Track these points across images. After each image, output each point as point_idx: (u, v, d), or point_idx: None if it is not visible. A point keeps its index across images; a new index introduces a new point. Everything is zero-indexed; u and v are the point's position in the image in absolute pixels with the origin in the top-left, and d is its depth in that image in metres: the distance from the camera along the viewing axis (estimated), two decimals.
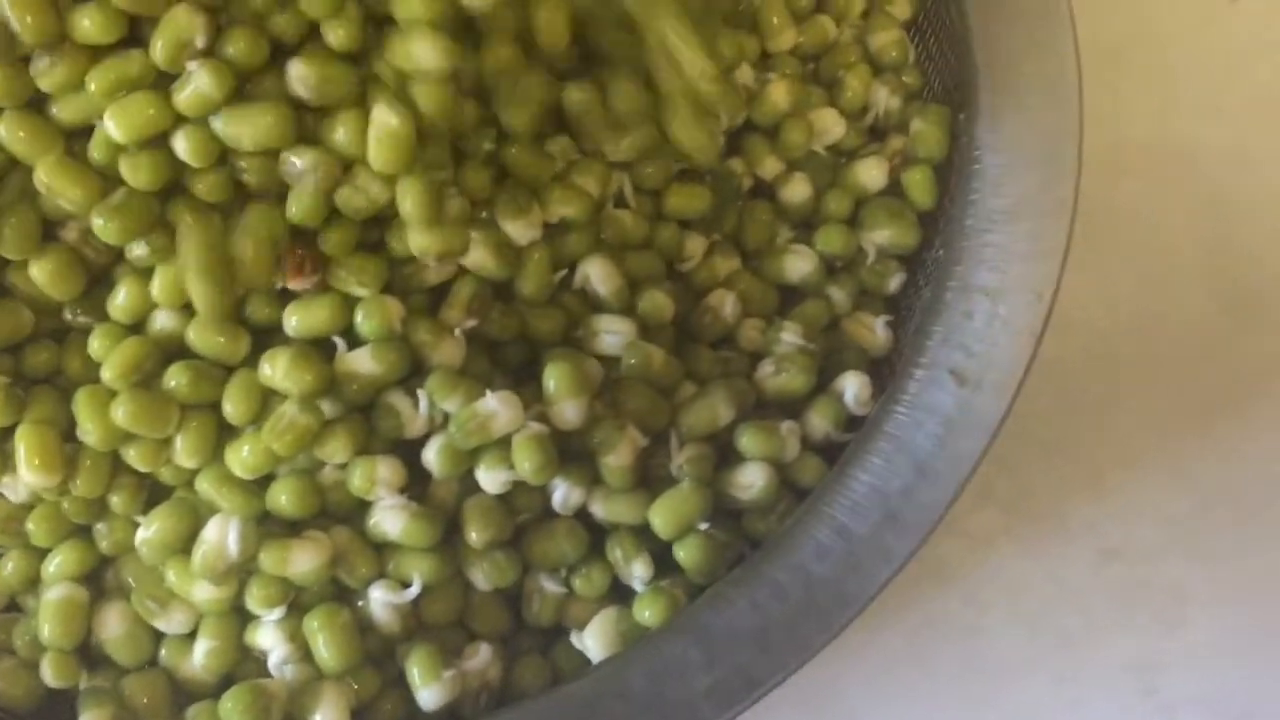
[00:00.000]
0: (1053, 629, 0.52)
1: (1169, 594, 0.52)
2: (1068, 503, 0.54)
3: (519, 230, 0.39)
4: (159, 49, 0.35)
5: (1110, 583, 0.53)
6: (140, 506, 0.38)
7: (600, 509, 0.40)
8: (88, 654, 0.39)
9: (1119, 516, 0.54)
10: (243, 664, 0.38)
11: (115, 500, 0.38)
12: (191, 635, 0.38)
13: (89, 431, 0.37)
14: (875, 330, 0.44)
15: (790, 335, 0.42)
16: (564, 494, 0.39)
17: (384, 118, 0.35)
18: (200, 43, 0.35)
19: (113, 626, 0.38)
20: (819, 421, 0.41)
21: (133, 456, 0.37)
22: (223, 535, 0.36)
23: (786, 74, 0.45)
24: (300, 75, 0.36)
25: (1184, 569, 0.53)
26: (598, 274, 0.41)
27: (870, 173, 0.45)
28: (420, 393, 0.38)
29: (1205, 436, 0.55)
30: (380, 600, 0.38)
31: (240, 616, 0.38)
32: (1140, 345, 0.56)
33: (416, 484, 0.39)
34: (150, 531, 0.37)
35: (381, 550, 0.38)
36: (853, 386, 0.42)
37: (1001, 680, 0.51)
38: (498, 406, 0.38)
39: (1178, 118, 0.58)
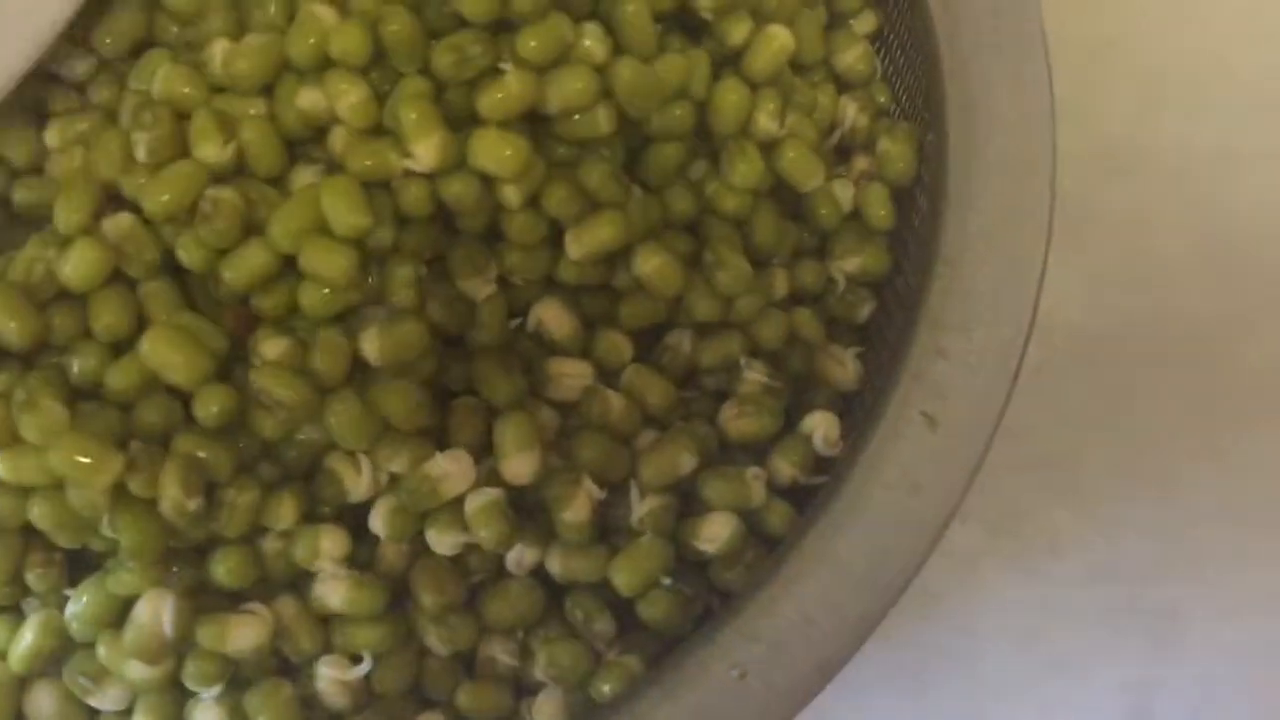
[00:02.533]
0: (1043, 651, 0.51)
1: (1163, 613, 0.51)
2: (1055, 518, 0.53)
3: (475, 286, 0.37)
4: None
5: (1101, 602, 0.52)
6: (65, 580, 0.37)
7: (557, 566, 0.38)
8: None
9: (1109, 532, 0.52)
10: None
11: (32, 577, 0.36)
12: (128, 713, 0.37)
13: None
14: (845, 363, 0.42)
15: (755, 374, 0.40)
16: (518, 553, 0.37)
17: None
18: None
19: (44, 705, 0.36)
20: (785, 465, 0.39)
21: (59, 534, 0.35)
22: (156, 613, 0.35)
23: None
24: None
25: (1179, 587, 0.51)
26: (551, 317, 0.39)
27: (840, 194, 0.42)
28: (362, 456, 0.36)
29: (1199, 445, 0.53)
30: (328, 677, 0.36)
31: (179, 691, 0.36)
32: (1128, 349, 0.54)
33: (362, 544, 0.37)
34: (79, 605, 0.36)
35: (327, 621, 0.37)
36: (821, 427, 0.40)
37: (991, 704, 0.50)
38: (449, 467, 0.36)
39: (1165, 116, 0.55)
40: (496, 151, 0.35)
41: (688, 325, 0.41)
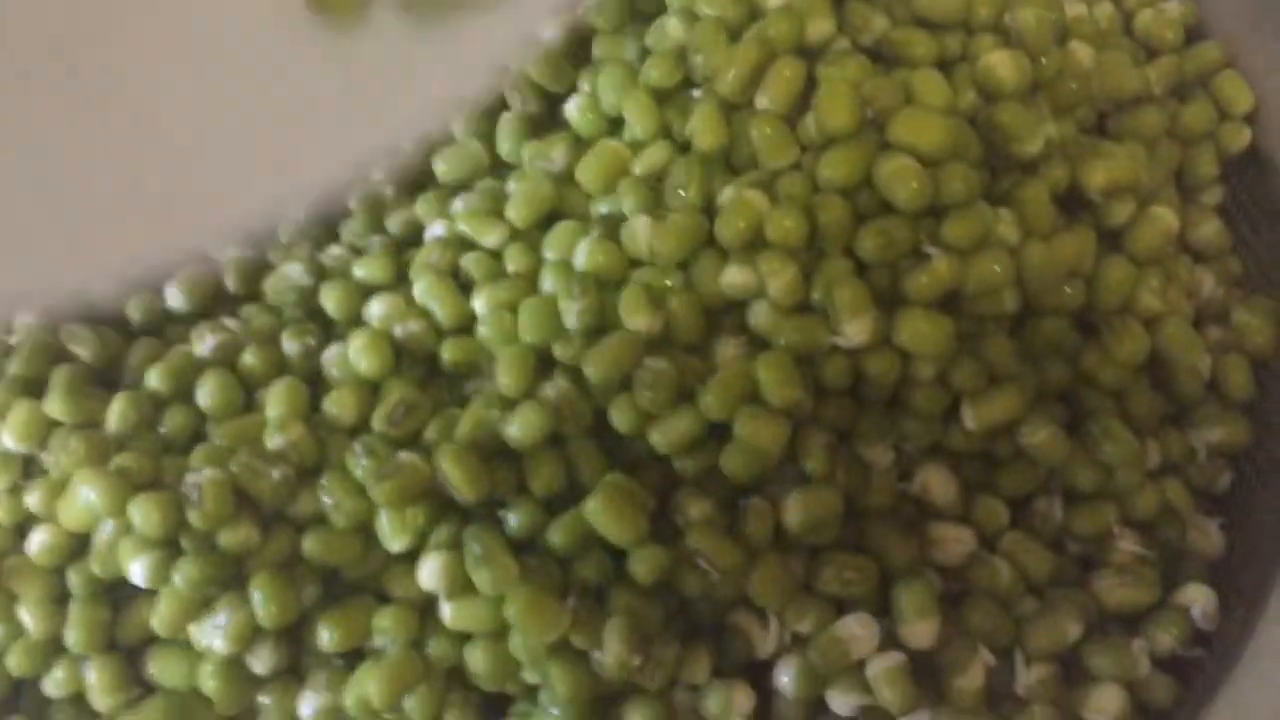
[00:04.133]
0: None
1: None
2: None
3: (877, 454, 0.39)
4: None
5: None
6: None
7: None
8: None
9: None
10: None
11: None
12: None
13: None
14: (1210, 534, 0.42)
15: (1129, 543, 0.41)
16: (911, 718, 0.38)
17: None
18: None
19: None
20: (1165, 637, 0.40)
21: None
22: None
23: None
24: None
25: None
26: (937, 482, 0.40)
27: (1201, 366, 0.43)
28: (772, 615, 0.38)
29: None
30: None
31: None
32: None
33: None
34: None
35: None
36: (1199, 600, 0.40)
37: None
38: (858, 630, 0.37)
39: None
40: (924, 331, 0.37)
41: (1057, 492, 0.42)
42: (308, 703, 0.38)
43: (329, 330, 0.43)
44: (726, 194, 0.40)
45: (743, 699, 0.37)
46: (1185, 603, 0.41)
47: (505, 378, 0.39)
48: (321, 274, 0.44)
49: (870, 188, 0.38)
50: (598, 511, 0.36)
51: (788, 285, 0.38)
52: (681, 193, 0.40)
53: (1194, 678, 0.40)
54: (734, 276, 0.39)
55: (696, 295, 0.40)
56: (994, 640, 0.39)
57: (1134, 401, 0.42)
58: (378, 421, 0.39)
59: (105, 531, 0.38)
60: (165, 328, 0.44)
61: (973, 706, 0.38)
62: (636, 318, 0.39)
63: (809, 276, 0.38)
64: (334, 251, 0.44)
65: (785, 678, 0.38)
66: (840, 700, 0.38)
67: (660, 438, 0.38)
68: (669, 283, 0.40)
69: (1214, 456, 0.44)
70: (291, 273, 0.43)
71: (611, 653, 0.36)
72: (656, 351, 0.38)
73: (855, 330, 0.37)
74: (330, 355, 0.42)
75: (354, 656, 0.38)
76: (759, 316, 0.39)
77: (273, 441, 0.39)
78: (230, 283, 0.44)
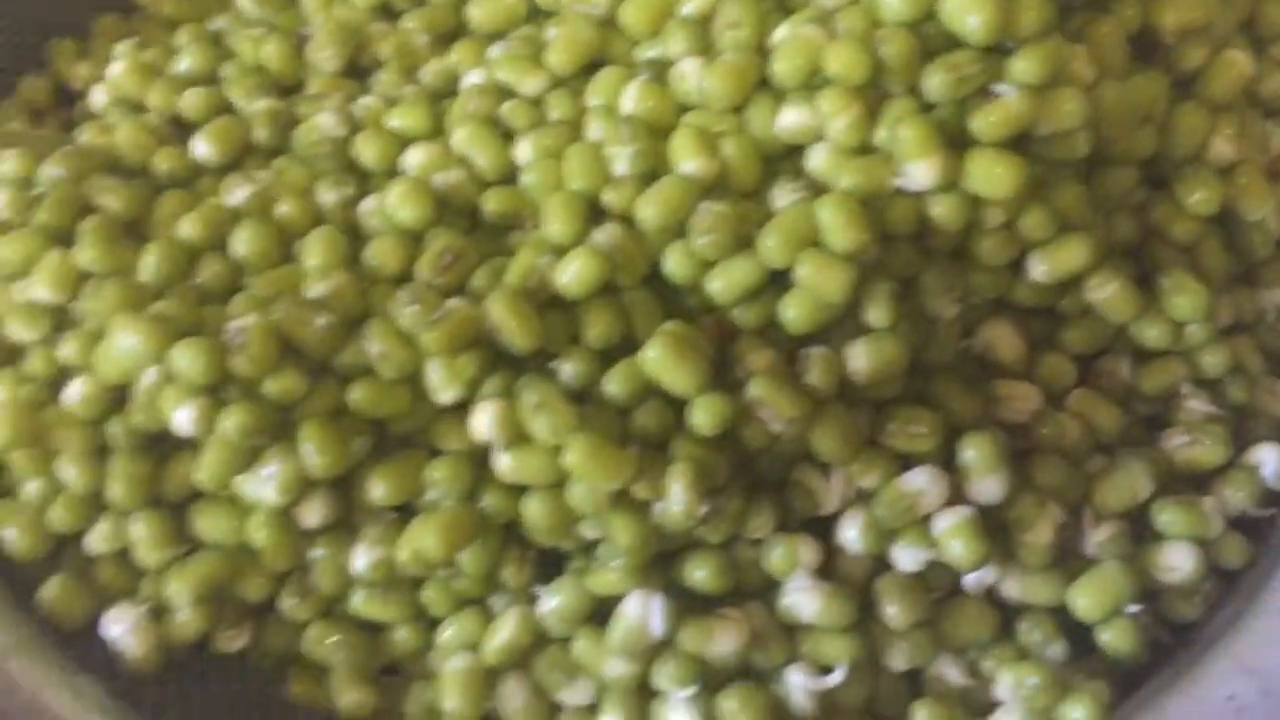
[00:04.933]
0: None
1: None
2: None
3: (942, 306, 0.37)
4: None
5: None
6: (535, 578, 0.38)
7: (1014, 588, 0.38)
8: None
9: None
10: None
11: (507, 574, 0.37)
12: (591, 709, 0.38)
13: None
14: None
15: (1198, 402, 0.40)
16: (980, 574, 0.37)
17: None
18: None
19: (514, 698, 0.37)
20: (1234, 496, 0.39)
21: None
22: (645, 613, 0.35)
23: None
24: None
25: None
26: (1001, 338, 0.39)
27: (1272, 223, 0.42)
28: (836, 469, 0.37)
29: None
30: (800, 685, 0.36)
31: (645, 691, 0.37)
32: None
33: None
34: (556, 602, 0.37)
35: (792, 630, 0.37)
36: (1270, 460, 0.39)
37: None
38: (926, 484, 0.36)
39: None
40: (995, 174, 0.35)
41: (1125, 349, 0.40)
42: (361, 556, 0.37)
43: (363, 183, 0.41)
44: (781, 32, 0.38)
45: (808, 553, 0.36)
46: (1255, 463, 0.40)
47: (555, 224, 0.37)
48: (354, 125, 0.42)
49: (935, 20, 0.36)
50: (657, 359, 0.35)
51: (851, 124, 0.36)
52: (733, 32, 0.38)
53: (1267, 536, 0.39)
54: (791, 118, 0.37)
55: (751, 139, 0.38)
56: (1062, 498, 0.38)
57: (1204, 255, 0.40)
58: (423, 269, 0.37)
59: (147, 380, 0.36)
60: (193, 181, 0.42)
61: (1041, 563, 0.37)
62: (691, 160, 0.37)
63: (871, 117, 0.37)
64: (365, 102, 0.42)
65: (851, 533, 0.37)
66: (906, 556, 0.37)
67: (718, 285, 0.36)
68: (723, 128, 0.38)
69: None
70: (324, 123, 0.41)
71: (678, 501, 0.34)
72: (712, 197, 0.37)
73: (923, 171, 0.36)
74: (367, 206, 0.40)
75: (405, 513, 0.37)
76: (818, 160, 0.37)
77: (314, 290, 0.37)
78: (259, 134, 0.42)
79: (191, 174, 0.42)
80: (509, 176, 0.40)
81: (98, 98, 0.45)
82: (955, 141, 0.36)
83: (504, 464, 0.36)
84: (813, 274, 0.36)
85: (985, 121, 0.36)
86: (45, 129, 0.46)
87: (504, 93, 0.41)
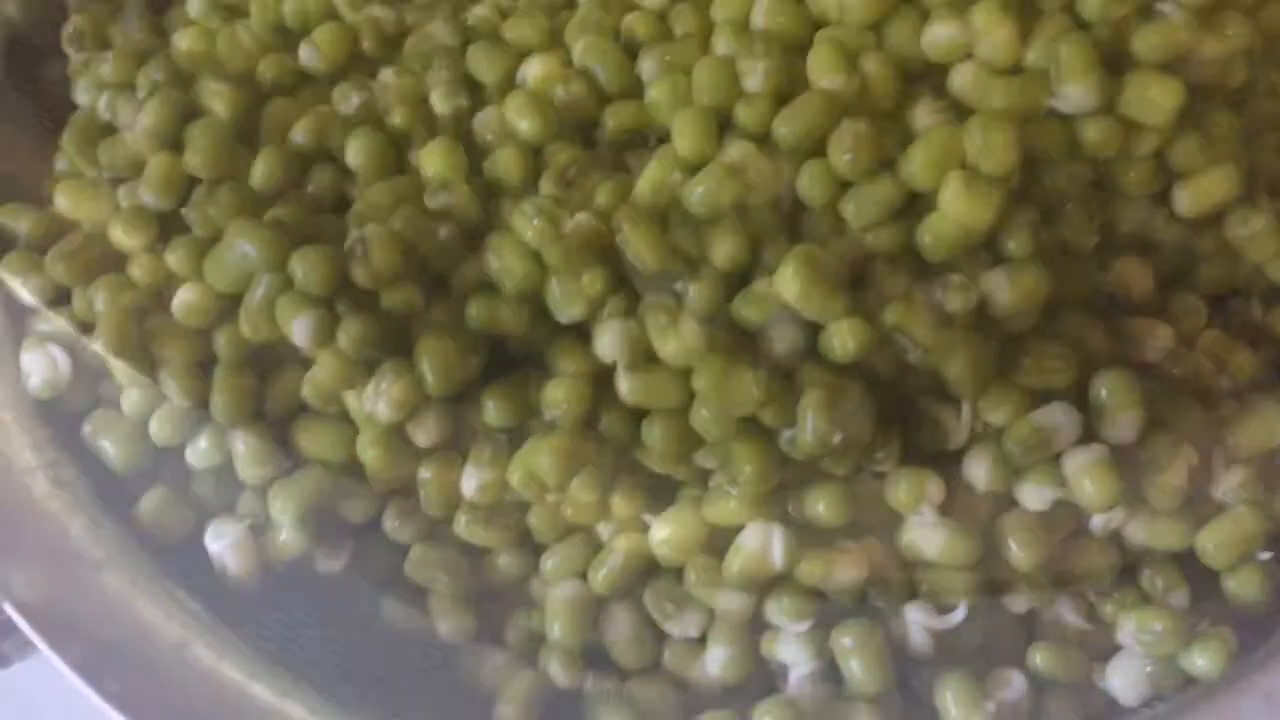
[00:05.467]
0: None
1: None
2: None
3: (1083, 238, 0.36)
4: None
5: None
6: (644, 505, 0.37)
7: (1139, 531, 0.36)
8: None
9: None
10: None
11: (618, 501, 0.36)
12: (700, 640, 0.37)
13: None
14: None
15: None
16: (1107, 515, 0.36)
17: None
18: None
19: (621, 626, 0.37)
20: None
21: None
22: (765, 543, 0.34)
23: None
24: None
25: None
26: (1134, 274, 0.38)
27: None
28: (965, 403, 0.35)
29: None
30: (919, 622, 0.35)
31: (756, 625, 0.36)
32: None
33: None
34: (669, 531, 0.36)
35: (911, 566, 0.36)
36: None
37: None
38: (1061, 419, 0.35)
39: None
40: (1153, 97, 0.34)
41: (1257, 291, 0.39)
42: (470, 477, 0.36)
43: (476, 95, 0.40)
44: None
45: (934, 488, 0.35)
46: None
47: (685, 140, 0.36)
48: (466, 35, 0.40)
49: None
50: (791, 281, 0.34)
51: (1004, 41, 0.34)
52: None
53: None
54: (939, 34, 0.35)
55: (893, 56, 0.36)
56: (1194, 440, 0.37)
57: None
58: (547, 183, 0.36)
59: (259, 291, 0.35)
60: (298, 89, 0.40)
61: (1171, 506, 0.36)
62: (830, 76, 0.35)
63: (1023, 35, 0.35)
64: (478, 12, 0.41)
65: (979, 469, 0.36)
66: (1034, 494, 0.36)
67: (855, 208, 0.35)
68: (862, 44, 0.37)
69: None
70: (435, 33, 0.40)
71: (810, 428, 0.33)
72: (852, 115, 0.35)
73: (1082, 92, 0.34)
74: (484, 118, 0.38)
75: (516, 435, 0.36)
76: (964, 79, 0.35)
77: (434, 201, 0.36)
78: (368, 43, 0.41)
79: (297, 81, 0.40)
80: (631, 91, 0.38)
81: (195, 3, 0.43)
82: (1111, 63, 0.35)
83: (627, 386, 0.34)
84: (957, 197, 0.34)
85: (1146, 42, 0.34)
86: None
87: (625, 5, 0.40)
